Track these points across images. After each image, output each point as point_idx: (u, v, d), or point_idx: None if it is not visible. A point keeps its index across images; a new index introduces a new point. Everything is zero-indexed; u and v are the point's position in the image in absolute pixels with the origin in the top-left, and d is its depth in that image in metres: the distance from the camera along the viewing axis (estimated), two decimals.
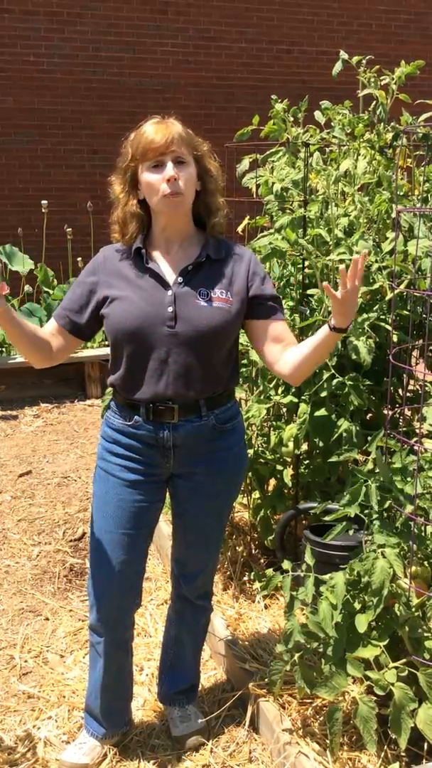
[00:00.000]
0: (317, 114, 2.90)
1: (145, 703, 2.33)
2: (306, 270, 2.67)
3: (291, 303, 2.76)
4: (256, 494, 2.84)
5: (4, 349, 5.75)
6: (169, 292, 1.83)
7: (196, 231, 1.92)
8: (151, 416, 1.87)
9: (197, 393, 1.88)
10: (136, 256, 1.88)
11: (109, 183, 1.91)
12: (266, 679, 2.17)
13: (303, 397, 2.64)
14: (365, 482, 2.04)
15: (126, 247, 1.91)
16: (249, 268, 1.90)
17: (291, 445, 2.67)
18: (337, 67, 2.94)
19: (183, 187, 1.80)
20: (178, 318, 1.81)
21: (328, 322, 1.77)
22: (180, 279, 1.85)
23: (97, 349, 5.67)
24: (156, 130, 1.79)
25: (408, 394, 2.89)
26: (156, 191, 1.80)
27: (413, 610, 1.92)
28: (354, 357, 2.47)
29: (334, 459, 2.49)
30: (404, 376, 2.80)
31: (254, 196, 2.89)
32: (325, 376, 2.54)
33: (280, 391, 2.78)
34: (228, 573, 2.88)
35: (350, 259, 2.53)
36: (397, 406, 2.81)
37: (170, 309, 1.82)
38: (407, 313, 2.68)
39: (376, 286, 2.55)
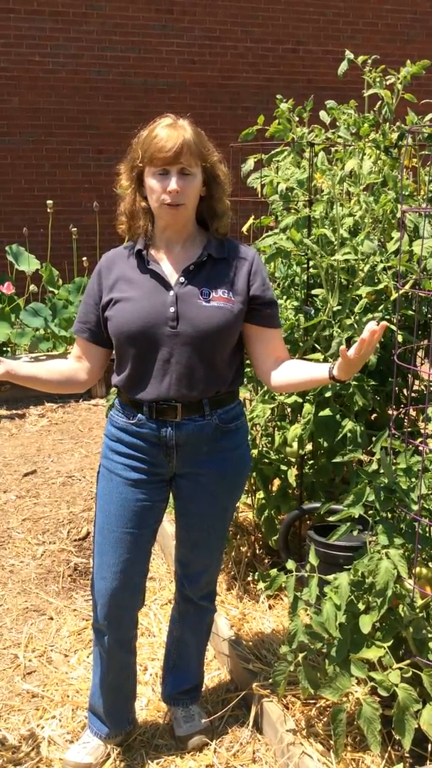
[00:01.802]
0: (322, 114, 2.90)
1: (148, 702, 2.33)
2: (311, 270, 2.67)
3: (295, 303, 2.76)
4: (261, 494, 2.84)
5: (9, 349, 5.76)
6: (171, 293, 1.83)
7: (198, 230, 1.92)
8: (154, 414, 1.88)
9: (201, 393, 1.88)
10: (137, 257, 1.88)
11: (117, 172, 1.90)
12: (270, 680, 2.16)
13: (307, 397, 2.64)
14: (369, 483, 2.03)
15: (127, 249, 1.91)
16: (251, 268, 1.90)
17: (295, 445, 2.66)
18: (343, 66, 2.94)
19: (185, 198, 1.80)
20: (180, 318, 1.82)
21: (330, 369, 1.81)
22: (182, 279, 1.85)
23: None
24: (167, 137, 1.77)
25: (413, 395, 2.88)
26: (157, 198, 1.80)
27: (417, 611, 1.92)
28: None
29: (338, 459, 2.48)
30: (409, 376, 2.80)
31: (259, 196, 2.89)
32: None
33: None
34: (232, 573, 2.88)
35: (356, 259, 2.53)
36: (402, 406, 2.81)
37: (172, 309, 1.82)
38: (412, 313, 2.67)
39: (380, 286, 2.55)
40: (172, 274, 1.86)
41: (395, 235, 2.65)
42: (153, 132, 1.80)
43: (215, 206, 1.89)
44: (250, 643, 2.46)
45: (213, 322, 1.82)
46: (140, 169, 1.83)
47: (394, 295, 2.52)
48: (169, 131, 1.78)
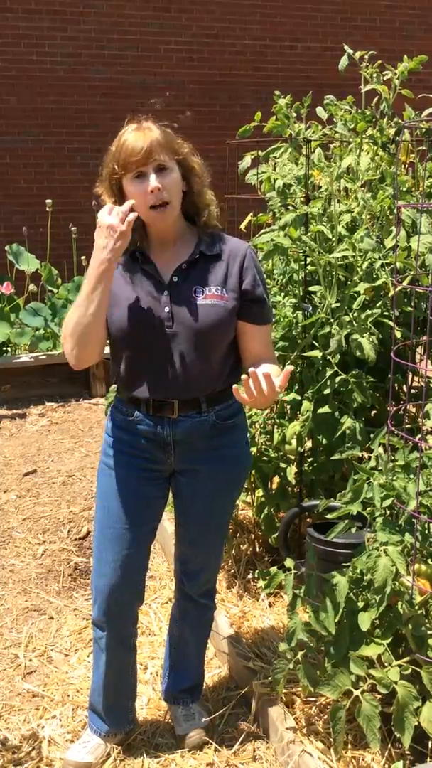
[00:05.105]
0: (319, 110, 2.89)
1: (149, 701, 2.33)
2: (309, 267, 2.66)
3: (293, 300, 2.75)
4: (260, 492, 2.84)
5: (9, 349, 5.76)
6: (165, 293, 1.84)
7: (189, 228, 1.92)
8: (151, 411, 1.88)
9: (197, 391, 1.88)
10: (131, 257, 1.88)
11: (97, 194, 1.91)
12: (270, 678, 2.16)
13: (306, 395, 2.63)
14: (367, 480, 2.03)
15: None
16: (243, 263, 1.89)
17: (294, 442, 2.66)
18: (343, 62, 2.91)
19: (168, 195, 1.79)
20: (175, 318, 1.82)
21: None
22: (175, 278, 1.85)
23: None
24: (135, 139, 1.77)
25: (412, 391, 2.87)
26: (142, 202, 1.79)
27: (416, 607, 1.91)
28: (358, 354, 2.46)
29: (337, 456, 2.48)
30: (408, 372, 2.79)
31: (258, 192, 2.88)
32: (329, 373, 2.53)
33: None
34: (232, 571, 2.88)
35: (353, 256, 2.52)
36: (402, 403, 2.80)
37: (167, 309, 1.82)
38: (410, 309, 2.66)
39: (379, 282, 2.54)
40: (165, 274, 1.86)
41: (394, 231, 2.64)
42: (120, 140, 1.80)
43: (196, 200, 1.89)
44: (251, 641, 2.46)
45: (208, 320, 1.82)
46: (118, 181, 1.83)
47: (392, 292, 2.51)
48: (136, 134, 1.78)
